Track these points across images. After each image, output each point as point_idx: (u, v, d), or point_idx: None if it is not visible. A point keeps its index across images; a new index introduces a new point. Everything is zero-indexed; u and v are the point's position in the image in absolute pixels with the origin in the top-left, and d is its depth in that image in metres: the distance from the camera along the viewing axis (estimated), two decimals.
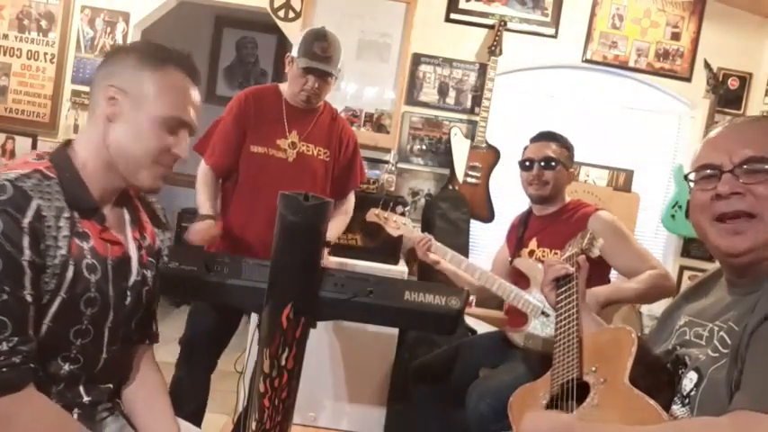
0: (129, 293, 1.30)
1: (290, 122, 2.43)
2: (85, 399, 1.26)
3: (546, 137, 2.42)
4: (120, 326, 1.30)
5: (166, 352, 2.56)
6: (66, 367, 1.22)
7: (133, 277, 1.31)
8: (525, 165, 2.40)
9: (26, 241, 1.09)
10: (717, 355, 1.12)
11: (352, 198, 2.66)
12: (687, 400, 1.15)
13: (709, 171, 1.19)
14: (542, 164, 2.35)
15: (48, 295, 1.14)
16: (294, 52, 2.37)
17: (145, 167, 1.26)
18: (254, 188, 2.41)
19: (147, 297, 1.37)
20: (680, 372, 1.21)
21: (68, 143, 1.27)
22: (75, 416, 1.25)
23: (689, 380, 1.16)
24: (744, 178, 1.14)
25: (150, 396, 1.41)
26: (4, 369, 1.08)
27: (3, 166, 1.20)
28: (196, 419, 2.43)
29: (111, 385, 1.34)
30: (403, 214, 2.54)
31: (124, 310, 1.29)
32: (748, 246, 1.13)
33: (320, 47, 2.33)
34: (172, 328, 3.03)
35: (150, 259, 1.37)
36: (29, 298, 1.11)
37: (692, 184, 1.23)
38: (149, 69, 1.23)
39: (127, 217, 1.35)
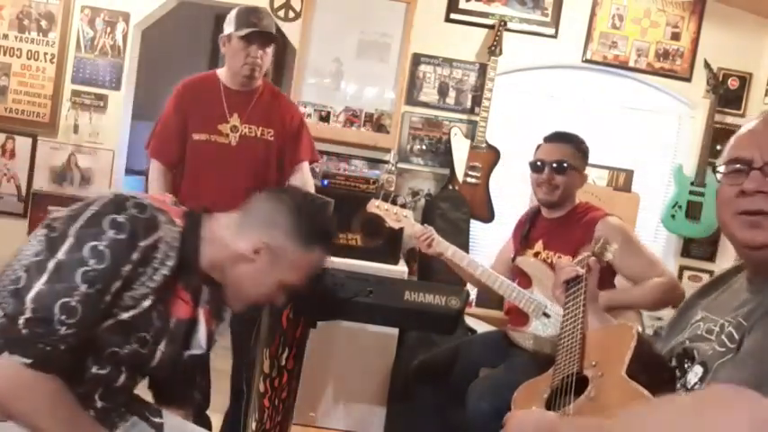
0: (183, 360, 1.36)
1: (230, 106, 2.44)
2: (99, 404, 1.30)
3: (561, 138, 2.35)
4: (150, 375, 1.36)
5: None
6: (94, 370, 1.25)
7: (197, 350, 1.38)
8: (536, 165, 2.32)
9: (134, 257, 1.20)
10: (723, 349, 1.11)
11: (307, 172, 2.62)
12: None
13: (738, 166, 1.14)
14: (554, 167, 2.27)
15: (116, 309, 1.21)
16: (229, 30, 2.40)
17: (243, 302, 1.40)
18: (198, 175, 2.43)
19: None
20: (685, 366, 1.20)
21: (210, 212, 1.38)
22: None
23: (694, 374, 1.15)
24: None
25: None
26: (48, 348, 1.13)
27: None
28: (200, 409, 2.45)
29: (125, 396, 1.38)
30: (404, 206, 2.51)
31: (170, 369, 1.35)
32: (766, 240, 1.11)
33: (256, 16, 2.38)
34: None
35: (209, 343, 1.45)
36: (106, 303, 1.18)
37: (719, 176, 1.19)
38: (301, 245, 1.34)
39: (206, 295, 1.41)
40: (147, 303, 1.23)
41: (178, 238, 1.28)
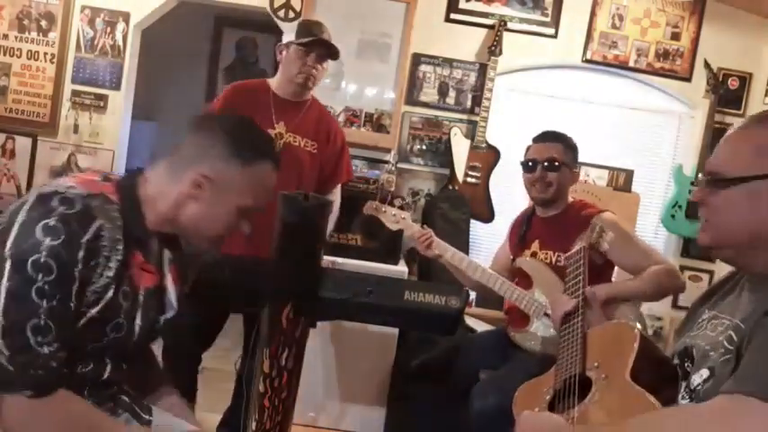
0: (160, 326, 1.34)
1: (277, 114, 2.45)
2: (88, 401, 1.27)
3: (550, 137, 2.38)
4: (135, 350, 1.33)
5: None
6: (78, 370, 1.23)
7: (170, 312, 1.36)
8: (528, 165, 2.35)
9: (80, 255, 1.14)
10: (723, 350, 1.13)
11: (338, 193, 2.65)
12: (694, 395, 1.15)
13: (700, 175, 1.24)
14: (546, 165, 2.31)
15: (84, 307, 1.18)
16: (289, 39, 2.43)
17: (209, 240, 1.34)
18: None
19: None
20: (685, 365, 1.20)
21: (141, 172, 1.31)
22: None
23: (699, 375, 1.16)
24: (706, 187, 1.18)
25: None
26: (41, 372, 1.10)
27: (70, 175, 1.25)
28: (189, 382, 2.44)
29: (114, 388, 1.36)
30: (402, 208, 2.52)
31: (150, 338, 1.34)
32: (707, 242, 1.19)
33: (318, 29, 2.43)
34: None
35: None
36: (73, 306, 1.15)
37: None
38: (240, 163, 1.27)
39: (168, 255, 1.38)
40: (110, 293, 1.19)
41: (119, 217, 1.22)
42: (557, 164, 2.31)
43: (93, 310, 1.18)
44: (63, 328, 1.13)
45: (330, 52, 2.44)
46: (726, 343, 1.13)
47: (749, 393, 0.95)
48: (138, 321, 1.27)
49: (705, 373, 1.15)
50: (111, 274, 1.19)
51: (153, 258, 1.32)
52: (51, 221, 1.12)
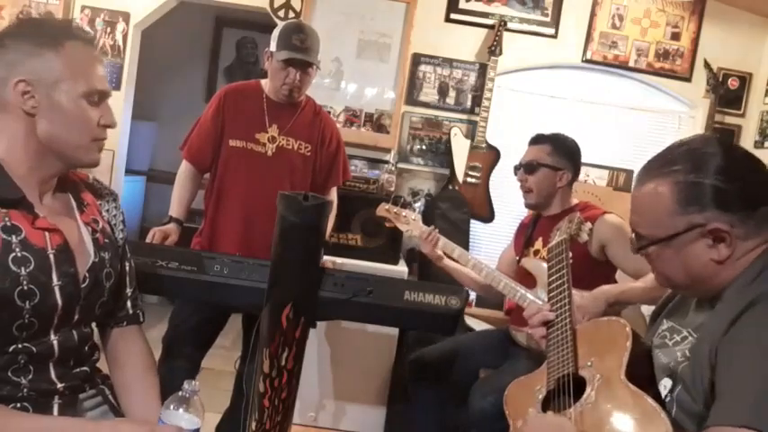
0: (87, 277, 1.26)
1: (270, 117, 2.42)
2: (59, 385, 1.23)
3: (536, 140, 2.38)
4: (73, 312, 1.25)
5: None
6: (22, 357, 1.18)
7: (91, 260, 1.28)
8: (515, 169, 2.38)
9: None
10: (683, 359, 1.16)
11: (334, 195, 2.63)
12: (666, 404, 1.17)
13: None
14: (524, 167, 2.32)
15: None
16: (272, 47, 2.35)
17: (84, 148, 1.25)
18: (231, 181, 2.41)
19: (108, 278, 1.32)
20: None
21: None
22: (56, 406, 1.22)
23: (663, 387, 1.19)
24: (638, 247, 1.28)
25: (130, 378, 1.38)
26: None
27: None
28: None
29: (86, 368, 1.30)
30: (414, 209, 2.52)
31: (78, 295, 1.24)
32: (659, 283, 1.31)
33: (299, 38, 2.32)
34: None
35: (107, 240, 1.33)
36: None
37: None
38: (51, 51, 1.19)
39: (73, 203, 1.32)
40: None
41: None
42: (534, 165, 2.31)
43: None
44: None
45: (312, 62, 2.36)
46: (687, 352, 1.16)
47: (746, 426, 0.96)
48: (55, 282, 1.19)
49: (668, 383, 1.18)
50: None
51: (54, 213, 1.25)
52: None
